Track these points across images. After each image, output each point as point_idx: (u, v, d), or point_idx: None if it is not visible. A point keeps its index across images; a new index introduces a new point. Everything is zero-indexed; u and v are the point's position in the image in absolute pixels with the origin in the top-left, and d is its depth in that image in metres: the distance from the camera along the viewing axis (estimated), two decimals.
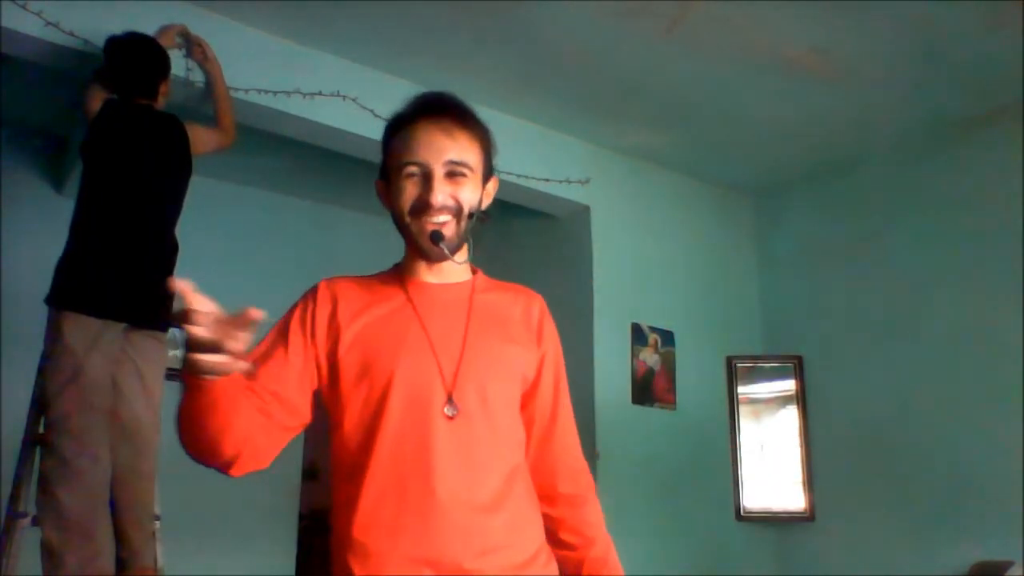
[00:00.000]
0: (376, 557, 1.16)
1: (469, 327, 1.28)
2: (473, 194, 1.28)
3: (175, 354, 3.99)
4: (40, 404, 2.49)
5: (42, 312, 2.44)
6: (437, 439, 1.19)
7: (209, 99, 2.95)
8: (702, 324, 4.22)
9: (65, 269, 2.44)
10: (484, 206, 1.33)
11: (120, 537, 2.41)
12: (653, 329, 4.04)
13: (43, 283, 2.45)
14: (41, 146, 4.10)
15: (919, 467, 3.60)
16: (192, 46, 2.90)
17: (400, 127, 1.32)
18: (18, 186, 3.97)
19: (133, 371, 2.50)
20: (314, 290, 1.32)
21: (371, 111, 3.34)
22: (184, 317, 0.94)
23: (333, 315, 1.27)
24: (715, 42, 3.18)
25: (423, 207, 1.25)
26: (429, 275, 1.32)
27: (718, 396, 4.19)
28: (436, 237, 1.24)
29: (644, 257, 4.13)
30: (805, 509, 4.03)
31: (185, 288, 0.94)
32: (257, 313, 0.94)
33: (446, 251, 1.26)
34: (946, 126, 3.75)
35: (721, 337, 4.28)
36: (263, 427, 1.19)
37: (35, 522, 2.31)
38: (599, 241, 4.00)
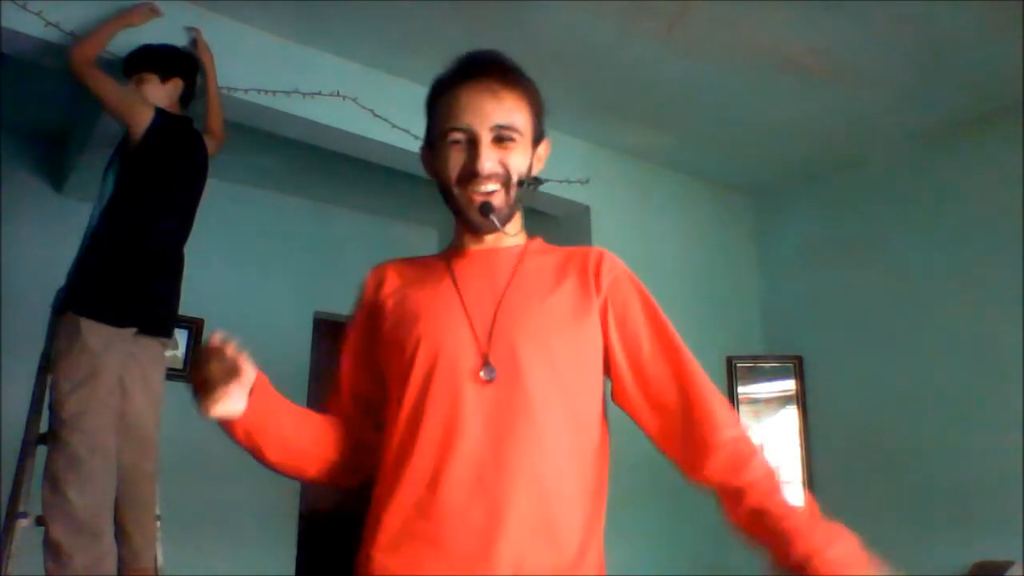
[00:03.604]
0: (384, 535, 1.08)
1: (510, 287, 1.18)
2: (523, 159, 1.20)
3: (175, 354, 4.02)
4: (41, 403, 2.49)
5: (42, 312, 2.44)
6: (466, 406, 1.09)
7: (201, 100, 2.95)
8: (702, 324, 4.22)
9: (92, 277, 2.43)
10: (535, 172, 1.24)
11: (121, 536, 2.41)
12: None
13: (43, 283, 2.45)
14: (41, 146, 4.11)
15: (919, 467, 3.60)
16: (194, 45, 2.90)
17: (443, 91, 1.21)
18: (18, 186, 3.98)
19: (138, 372, 2.51)
20: (363, 281, 1.27)
21: (371, 111, 3.34)
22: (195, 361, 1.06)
23: (375, 298, 1.24)
24: (715, 42, 3.18)
25: (470, 176, 1.16)
26: (474, 243, 1.24)
27: None
28: (486, 209, 1.16)
29: (644, 257, 4.10)
30: None
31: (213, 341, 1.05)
32: (244, 363, 1.06)
33: (496, 223, 1.17)
34: (946, 126, 3.75)
35: (721, 337, 4.27)
36: (332, 441, 1.22)
37: (39, 522, 2.31)
38: (599, 241, 3.99)
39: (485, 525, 1.04)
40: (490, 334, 1.13)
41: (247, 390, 1.09)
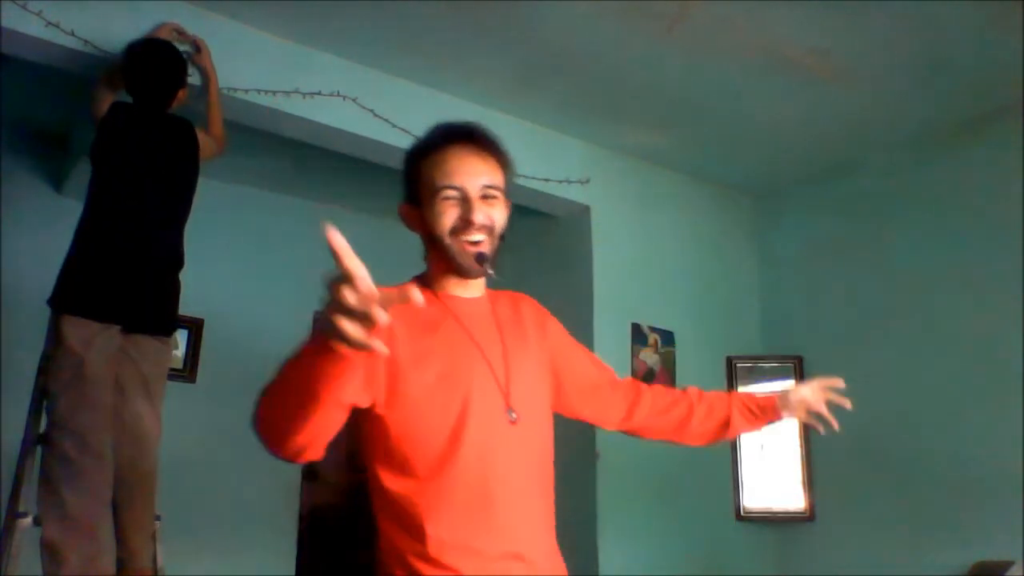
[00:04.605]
0: (464, 552, 1.26)
1: (504, 338, 1.42)
2: (503, 214, 1.41)
3: (175, 354, 4.02)
4: (40, 404, 2.49)
5: (43, 312, 2.45)
6: (509, 444, 1.34)
7: (202, 101, 2.95)
8: (702, 324, 4.22)
9: (68, 272, 2.44)
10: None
11: (119, 537, 2.41)
12: (653, 329, 4.04)
13: (43, 283, 2.45)
14: (41, 146, 4.11)
15: (919, 467, 3.60)
16: (197, 51, 2.90)
17: (429, 153, 1.40)
18: (18, 186, 3.98)
19: (135, 372, 2.50)
20: None
21: (371, 111, 3.34)
22: (340, 279, 0.88)
23: (388, 330, 1.24)
24: (715, 42, 3.18)
25: (463, 226, 1.35)
26: (459, 289, 1.43)
27: None
28: (481, 258, 1.36)
29: (644, 257, 4.13)
30: (805, 509, 4.03)
31: (340, 246, 0.88)
32: (417, 295, 0.89)
33: (489, 270, 1.38)
34: (946, 126, 3.75)
35: (721, 337, 4.28)
36: (334, 418, 1.17)
37: (36, 522, 2.31)
38: (599, 241, 4.00)
39: (529, 535, 1.33)
40: (507, 383, 1.37)
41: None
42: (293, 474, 4.44)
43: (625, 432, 1.70)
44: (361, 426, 1.33)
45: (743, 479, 4.10)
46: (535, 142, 3.87)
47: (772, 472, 4.11)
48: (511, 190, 1.45)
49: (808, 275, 4.30)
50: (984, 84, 3.42)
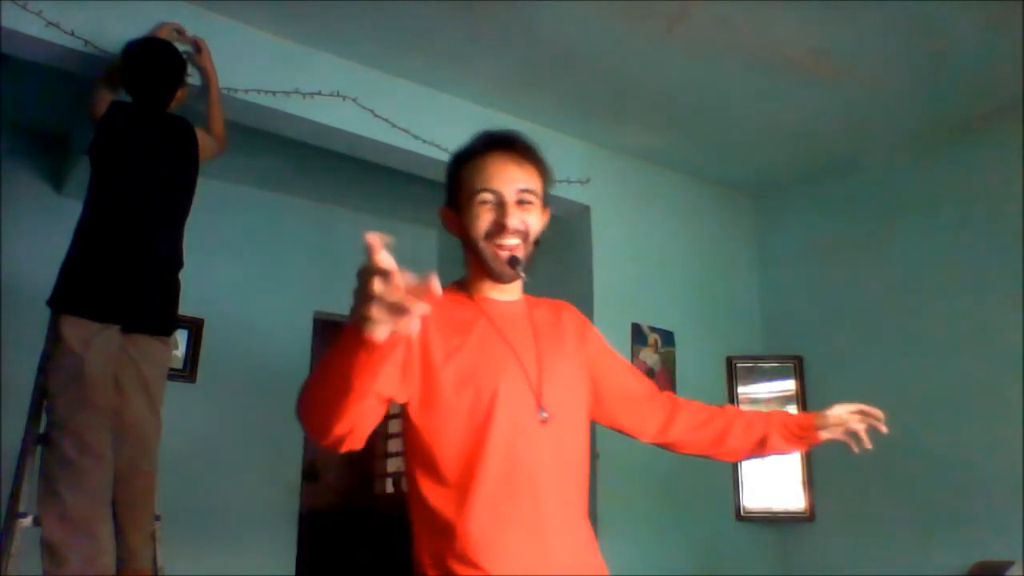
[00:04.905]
0: (495, 551, 1.27)
1: (538, 340, 1.44)
2: (538, 220, 1.44)
3: (175, 354, 4.02)
4: (40, 404, 2.49)
5: (42, 312, 2.45)
6: (538, 442, 1.35)
7: (203, 101, 2.95)
8: (702, 324, 4.22)
9: (67, 272, 2.44)
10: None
11: (119, 537, 2.41)
12: (653, 329, 4.04)
13: (43, 283, 2.45)
14: (41, 146, 4.11)
15: (919, 467, 3.60)
16: (198, 51, 2.90)
17: (470, 159, 1.44)
18: (18, 186, 3.98)
19: (135, 372, 2.50)
20: None
21: (371, 111, 3.34)
22: (370, 271, 0.89)
23: (423, 331, 1.33)
24: (715, 42, 3.19)
25: (498, 230, 1.39)
26: (495, 292, 1.46)
27: (718, 396, 4.18)
28: (514, 262, 1.39)
29: (644, 257, 4.13)
30: (805, 509, 4.03)
31: (374, 242, 0.89)
32: (436, 286, 0.89)
33: (522, 273, 1.42)
34: (946, 126, 3.75)
35: (721, 337, 4.28)
36: (372, 409, 1.19)
37: (36, 522, 2.31)
38: (599, 241, 4.00)
39: (563, 535, 1.35)
40: (539, 383, 1.39)
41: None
42: (293, 474, 4.44)
43: (661, 445, 1.70)
44: (404, 435, 1.39)
45: (743, 479, 4.10)
46: (535, 142, 3.87)
47: (772, 472, 4.11)
48: (547, 196, 1.48)
49: (808, 275, 4.30)
50: (984, 84, 3.42)
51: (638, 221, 4.17)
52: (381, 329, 0.91)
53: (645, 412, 1.64)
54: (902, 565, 3.53)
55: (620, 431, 1.66)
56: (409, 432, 1.37)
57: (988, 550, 3.27)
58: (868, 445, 1.78)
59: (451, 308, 1.41)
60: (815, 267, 4.27)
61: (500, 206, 1.39)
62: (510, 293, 1.47)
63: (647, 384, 1.67)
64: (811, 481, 4.04)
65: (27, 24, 2.66)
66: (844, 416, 1.78)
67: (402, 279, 0.89)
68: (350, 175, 4.24)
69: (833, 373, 4.05)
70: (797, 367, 4.19)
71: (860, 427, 1.79)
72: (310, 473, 4.39)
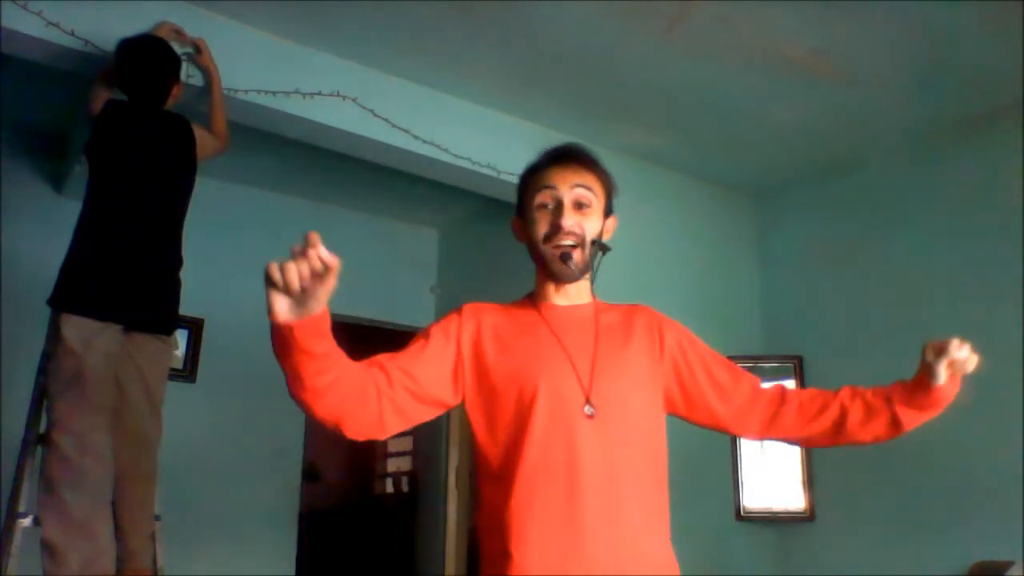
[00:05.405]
0: (525, 539, 1.31)
1: (599, 339, 1.46)
2: (596, 224, 1.48)
3: (175, 354, 4.02)
4: (40, 404, 2.49)
5: (43, 312, 2.45)
6: (580, 436, 1.36)
7: (205, 101, 2.95)
8: (702, 324, 4.19)
9: (67, 271, 2.44)
10: (605, 239, 1.51)
11: (119, 537, 2.41)
12: None
13: (43, 283, 2.45)
14: (41, 146, 4.11)
15: (919, 467, 3.59)
16: (198, 52, 2.89)
17: (536, 169, 1.52)
18: (18, 186, 3.98)
19: (135, 372, 2.50)
20: (460, 308, 1.49)
21: (371, 111, 3.35)
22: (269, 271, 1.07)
23: (478, 329, 1.45)
24: (715, 42, 3.19)
25: (554, 232, 1.44)
26: (558, 297, 1.51)
27: None
28: (565, 257, 1.44)
29: (644, 257, 4.13)
30: (805, 509, 4.03)
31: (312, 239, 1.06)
32: (315, 240, 1.07)
33: (575, 270, 1.45)
34: (946, 126, 3.75)
35: (721, 337, 4.25)
36: (362, 399, 1.29)
37: (36, 522, 2.31)
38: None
39: (615, 531, 1.34)
40: (591, 379, 1.40)
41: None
42: (293, 474, 4.45)
43: (773, 439, 1.66)
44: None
45: (743, 479, 4.10)
46: (535, 142, 3.84)
47: (772, 472, 4.11)
48: (610, 205, 1.53)
49: (808, 275, 4.30)
50: (984, 84, 3.42)
51: (638, 221, 4.16)
52: (279, 308, 1.10)
53: (744, 408, 1.57)
54: (902, 565, 3.53)
55: (723, 430, 1.61)
56: (470, 434, 1.45)
57: (988, 550, 3.27)
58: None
59: (515, 315, 1.49)
60: (815, 267, 4.27)
61: (557, 209, 1.45)
62: (576, 298, 1.51)
63: (747, 379, 1.61)
64: (811, 481, 4.04)
65: (27, 24, 2.67)
66: (938, 363, 1.60)
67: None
68: (350, 175, 4.24)
69: (833, 373, 4.04)
70: (797, 367, 4.19)
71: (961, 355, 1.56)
72: (310, 473, 4.39)
